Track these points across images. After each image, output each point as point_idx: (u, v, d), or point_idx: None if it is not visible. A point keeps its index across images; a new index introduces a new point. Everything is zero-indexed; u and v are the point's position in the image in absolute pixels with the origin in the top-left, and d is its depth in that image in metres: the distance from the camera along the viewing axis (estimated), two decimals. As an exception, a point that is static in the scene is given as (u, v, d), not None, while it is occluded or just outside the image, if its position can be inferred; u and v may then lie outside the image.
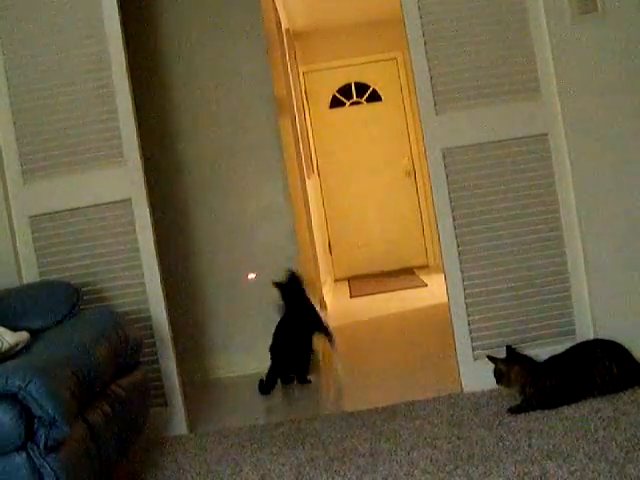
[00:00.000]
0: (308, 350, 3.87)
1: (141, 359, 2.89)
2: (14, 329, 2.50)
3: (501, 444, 2.50)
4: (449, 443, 2.59)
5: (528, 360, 2.96)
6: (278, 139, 4.25)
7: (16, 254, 3.20)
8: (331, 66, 8.01)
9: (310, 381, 3.82)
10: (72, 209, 3.20)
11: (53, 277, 3.18)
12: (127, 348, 2.67)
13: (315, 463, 2.60)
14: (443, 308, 3.52)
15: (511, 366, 2.91)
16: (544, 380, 2.83)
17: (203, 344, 4.10)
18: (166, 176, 4.25)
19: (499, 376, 2.95)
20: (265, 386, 3.68)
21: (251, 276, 4.18)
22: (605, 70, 3.06)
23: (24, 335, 2.49)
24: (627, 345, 2.93)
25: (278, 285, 3.86)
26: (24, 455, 1.96)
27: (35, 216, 3.21)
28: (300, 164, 5.65)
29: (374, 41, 7.86)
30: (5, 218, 3.18)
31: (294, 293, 3.88)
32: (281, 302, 3.86)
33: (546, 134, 3.12)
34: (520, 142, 3.12)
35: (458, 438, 2.63)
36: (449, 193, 3.14)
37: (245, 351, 4.21)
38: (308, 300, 3.96)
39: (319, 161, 8.05)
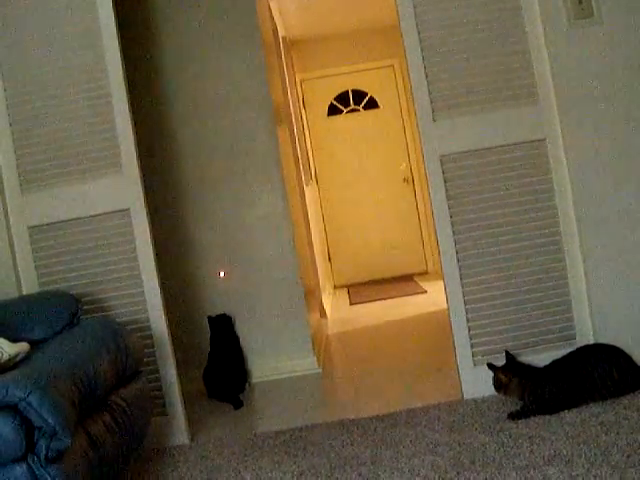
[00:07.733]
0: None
1: (141, 368, 2.89)
2: (14, 340, 2.49)
3: (502, 450, 2.50)
4: (450, 450, 2.59)
5: (527, 367, 2.96)
6: (276, 147, 4.26)
7: (15, 265, 3.21)
8: (328, 74, 8.02)
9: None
10: (71, 219, 3.20)
11: (52, 287, 3.18)
12: (127, 358, 2.67)
13: (316, 471, 2.59)
14: (443, 315, 3.52)
15: (511, 376, 2.91)
16: (544, 386, 2.83)
17: (203, 353, 4.09)
18: (164, 186, 4.26)
19: (499, 385, 2.95)
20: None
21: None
22: (602, 74, 3.07)
23: (24, 346, 2.48)
24: (627, 349, 2.93)
25: (209, 319, 4.13)
26: (25, 466, 1.95)
27: (34, 226, 3.21)
28: (298, 172, 5.66)
29: (371, 48, 7.88)
30: (4, 229, 3.18)
31: (223, 328, 4.12)
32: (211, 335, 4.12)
33: (544, 139, 3.12)
34: (518, 148, 3.13)
35: (459, 444, 2.63)
36: (447, 199, 3.14)
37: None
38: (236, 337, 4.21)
39: (317, 169, 8.06)
